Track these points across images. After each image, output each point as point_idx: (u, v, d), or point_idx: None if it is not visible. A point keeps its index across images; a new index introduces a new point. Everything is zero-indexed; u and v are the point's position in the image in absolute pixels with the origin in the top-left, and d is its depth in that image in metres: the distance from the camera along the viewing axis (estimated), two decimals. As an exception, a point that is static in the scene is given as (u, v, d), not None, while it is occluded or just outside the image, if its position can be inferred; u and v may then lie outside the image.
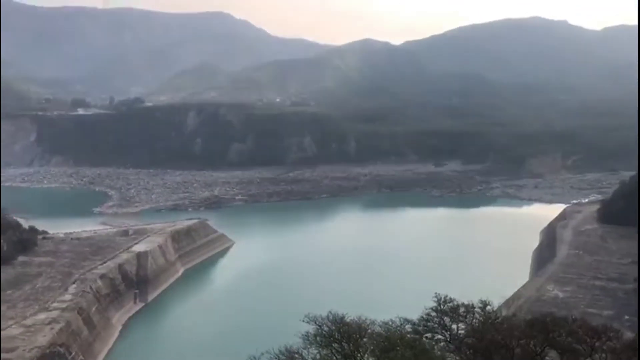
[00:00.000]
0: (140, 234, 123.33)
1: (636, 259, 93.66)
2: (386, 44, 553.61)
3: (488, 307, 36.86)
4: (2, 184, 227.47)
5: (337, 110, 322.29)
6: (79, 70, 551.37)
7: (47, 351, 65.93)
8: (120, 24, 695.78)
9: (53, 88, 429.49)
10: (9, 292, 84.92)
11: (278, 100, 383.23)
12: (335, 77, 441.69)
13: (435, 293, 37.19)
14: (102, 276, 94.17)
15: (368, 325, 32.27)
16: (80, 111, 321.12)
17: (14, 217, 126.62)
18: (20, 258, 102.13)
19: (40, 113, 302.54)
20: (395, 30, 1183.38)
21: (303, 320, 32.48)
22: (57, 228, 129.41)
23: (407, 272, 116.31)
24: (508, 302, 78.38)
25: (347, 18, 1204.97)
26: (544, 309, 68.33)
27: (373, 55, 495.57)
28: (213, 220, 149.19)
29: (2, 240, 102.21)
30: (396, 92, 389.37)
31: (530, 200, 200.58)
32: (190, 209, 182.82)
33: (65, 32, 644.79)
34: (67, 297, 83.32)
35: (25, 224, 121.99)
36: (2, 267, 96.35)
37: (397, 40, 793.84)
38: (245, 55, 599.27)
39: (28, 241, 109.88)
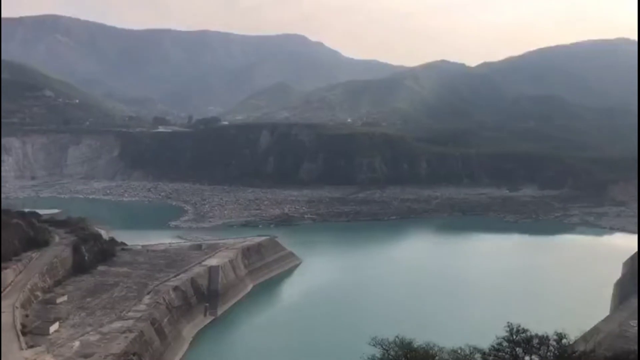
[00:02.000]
0: (213, 248, 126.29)
1: None
2: (462, 65, 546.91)
3: (564, 340, 35.13)
4: (87, 197, 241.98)
5: (409, 131, 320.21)
6: (161, 90, 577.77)
7: (121, 359, 68.42)
8: (200, 45, 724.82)
9: (136, 106, 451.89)
10: (88, 299, 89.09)
11: (349, 120, 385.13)
12: (408, 98, 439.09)
13: (508, 322, 35.85)
14: (175, 288, 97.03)
15: (436, 352, 31.54)
16: (161, 128, 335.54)
17: (96, 229, 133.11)
18: (100, 267, 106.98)
19: (123, 130, 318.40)
20: (472, 52, 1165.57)
21: (369, 343, 32.12)
22: (135, 240, 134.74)
23: (478, 298, 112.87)
24: (586, 337, 74.06)
25: (422, 40, 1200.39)
26: (627, 345, 64.27)
27: (448, 77, 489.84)
28: (282, 238, 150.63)
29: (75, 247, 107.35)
30: (470, 114, 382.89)
31: (612, 229, 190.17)
32: (260, 226, 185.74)
33: (149, 53, 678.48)
34: (142, 307, 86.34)
35: (106, 235, 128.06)
36: (84, 276, 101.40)
37: (473, 62, 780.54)
38: (318, 76, 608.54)
39: (108, 252, 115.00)
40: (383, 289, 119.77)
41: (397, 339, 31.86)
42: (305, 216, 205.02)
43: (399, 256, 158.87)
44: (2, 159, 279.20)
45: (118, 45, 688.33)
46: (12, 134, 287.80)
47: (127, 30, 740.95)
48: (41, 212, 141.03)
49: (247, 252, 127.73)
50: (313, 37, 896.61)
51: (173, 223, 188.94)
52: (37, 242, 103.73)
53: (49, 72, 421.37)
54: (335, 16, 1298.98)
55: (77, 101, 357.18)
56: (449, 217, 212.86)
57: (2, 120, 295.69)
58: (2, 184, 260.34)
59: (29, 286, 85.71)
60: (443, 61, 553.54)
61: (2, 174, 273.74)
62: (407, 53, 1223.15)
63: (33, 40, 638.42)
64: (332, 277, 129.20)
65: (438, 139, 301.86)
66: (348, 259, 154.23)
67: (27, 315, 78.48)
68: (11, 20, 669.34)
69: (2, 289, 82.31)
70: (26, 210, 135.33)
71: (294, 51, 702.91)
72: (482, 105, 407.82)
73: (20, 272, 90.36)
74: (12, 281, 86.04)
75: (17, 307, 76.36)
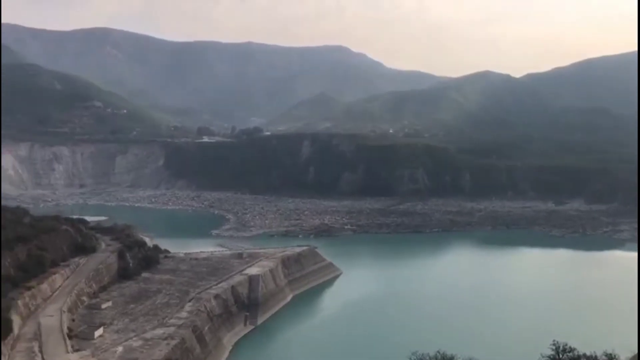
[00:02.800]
0: (253, 257, 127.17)
1: None
2: (506, 76, 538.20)
3: (614, 362, 33.78)
4: (133, 205, 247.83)
5: (452, 142, 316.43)
6: (205, 101, 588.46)
7: (163, 365, 69.38)
8: (244, 57, 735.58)
9: (181, 117, 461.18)
10: (132, 305, 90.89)
11: (391, 131, 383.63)
12: (451, 109, 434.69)
13: (553, 340, 34.70)
14: (216, 296, 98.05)
15: (478, 369, 30.75)
16: (205, 139, 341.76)
17: (141, 236, 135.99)
18: (144, 274, 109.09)
19: (168, 139, 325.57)
20: (517, 63, 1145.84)
21: (410, 358, 31.59)
22: (178, 248, 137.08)
23: (522, 314, 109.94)
24: (637, 358, 71.14)
25: (465, 51, 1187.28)
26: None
27: (492, 88, 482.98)
28: (322, 248, 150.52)
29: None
30: (515, 126, 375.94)
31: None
32: (300, 236, 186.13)
33: (195, 65, 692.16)
34: (183, 314, 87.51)
35: (150, 242, 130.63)
36: (128, 282, 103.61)
37: (518, 73, 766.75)
38: (360, 87, 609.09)
39: (152, 259, 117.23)
40: (424, 303, 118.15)
41: (438, 354, 31.24)
42: (346, 227, 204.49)
43: (440, 269, 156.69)
44: (53, 167, 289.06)
45: (165, 57, 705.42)
46: (62, 143, 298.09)
47: (173, 42, 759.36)
48: (89, 219, 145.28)
49: (287, 262, 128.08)
50: (355, 48, 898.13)
51: (215, 232, 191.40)
52: (85, 248, 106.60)
53: (99, 84, 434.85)
54: (378, 27, 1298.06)
55: (125, 111, 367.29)
56: (492, 231, 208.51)
57: (53, 130, 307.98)
58: (53, 191, 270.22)
59: (75, 291, 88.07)
60: (487, 72, 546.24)
61: (53, 181, 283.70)
62: (450, 64, 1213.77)
63: (84, 53, 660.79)
64: (373, 289, 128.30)
65: (481, 151, 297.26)
66: (389, 271, 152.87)
67: (73, 320, 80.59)
68: (64, 33, 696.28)
69: (50, 293, 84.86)
70: (74, 217, 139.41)
71: (336, 62, 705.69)
72: (527, 116, 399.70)
73: (68, 277, 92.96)
74: (60, 286, 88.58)
75: (64, 311, 78.51)
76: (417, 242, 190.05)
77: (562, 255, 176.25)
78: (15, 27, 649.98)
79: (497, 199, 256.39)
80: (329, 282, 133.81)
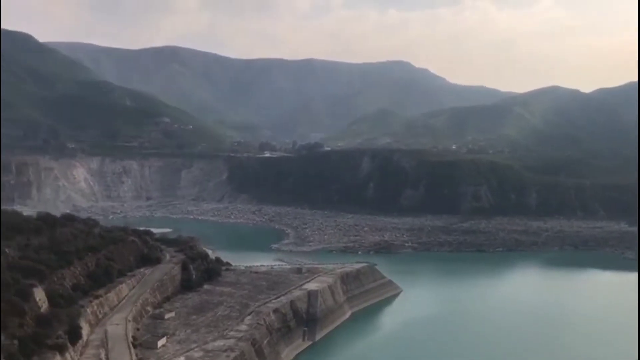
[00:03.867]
0: (312, 272, 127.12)
1: None
2: (575, 91, 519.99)
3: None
4: (197, 217, 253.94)
5: (517, 159, 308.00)
6: (268, 116, 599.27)
7: (222, 377, 69.99)
8: (306, 73, 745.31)
9: (244, 132, 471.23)
10: (194, 317, 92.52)
11: (454, 147, 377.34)
12: (516, 125, 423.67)
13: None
14: (275, 310, 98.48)
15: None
16: (267, 154, 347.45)
17: (203, 248, 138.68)
18: (206, 286, 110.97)
19: (232, 154, 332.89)
20: (586, 77, 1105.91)
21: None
22: (239, 260, 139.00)
23: (592, 342, 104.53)
24: None
25: (532, 65, 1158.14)
26: None
27: (560, 103, 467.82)
28: (381, 266, 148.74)
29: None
30: (584, 142, 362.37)
31: None
32: (360, 252, 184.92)
33: (258, 82, 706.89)
34: (243, 327, 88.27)
35: (212, 254, 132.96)
36: (191, 293, 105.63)
37: (588, 88, 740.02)
38: (422, 102, 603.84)
39: (213, 271, 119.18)
40: (485, 325, 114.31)
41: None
42: (406, 244, 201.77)
43: (504, 290, 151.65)
44: (122, 180, 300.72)
45: (229, 75, 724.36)
46: (131, 157, 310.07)
47: (238, 60, 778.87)
48: (155, 230, 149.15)
49: (346, 278, 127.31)
50: (418, 64, 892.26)
51: (275, 246, 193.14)
52: (150, 259, 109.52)
53: (167, 100, 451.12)
54: (442, 42, 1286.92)
55: (191, 127, 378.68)
56: (559, 252, 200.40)
57: (123, 144, 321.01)
58: (121, 203, 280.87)
59: (141, 301, 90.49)
60: (555, 87, 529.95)
61: (122, 194, 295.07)
62: (516, 79, 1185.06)
63: (154, 70, 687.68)
64: (433, 308, 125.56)
65: (549, 168, 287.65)
66: (450, 290, 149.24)
67: (138, 329, 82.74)
68: (135, 51, 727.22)
69: (117, 302, 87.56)
70: (141, 228, 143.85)
71: (399, 78, 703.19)
72: (597, 132, 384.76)
73: (134, 287, 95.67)
74: (126, 295, 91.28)
75: (129, 320, 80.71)
76: (480, 261, 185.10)
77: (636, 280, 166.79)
78: (90, 46, 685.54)
79: (565, 218, 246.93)
80: (389, 300, 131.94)
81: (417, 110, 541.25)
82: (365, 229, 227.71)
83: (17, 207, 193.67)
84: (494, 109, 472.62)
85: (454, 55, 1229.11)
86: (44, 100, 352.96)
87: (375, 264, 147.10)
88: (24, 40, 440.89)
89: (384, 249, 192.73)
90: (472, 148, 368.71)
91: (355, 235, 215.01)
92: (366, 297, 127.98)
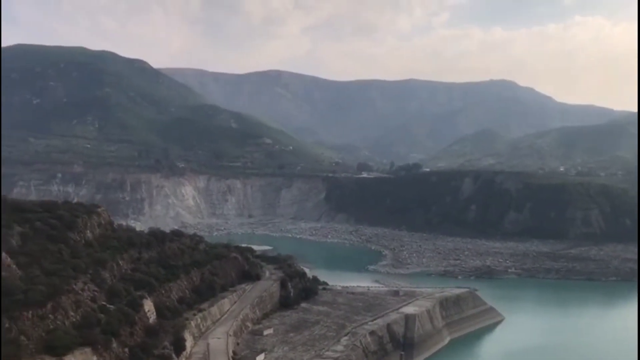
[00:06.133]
0: (410, 296, 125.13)
1: None
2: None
3: None
4: (295, 236, 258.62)
5: (632, 182, 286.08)
6: (366, 137, 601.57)
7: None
8: (405, 94, 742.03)
9: (342, 152, 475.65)
10: (291, 334, 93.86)
11: (562, 169, 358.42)
12: (632, 146, 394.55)
13: None
14: (371, 332, 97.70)
15: None
16: (364, 174, 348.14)
17: (301, 267, 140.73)
18: (303, 304, 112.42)
19: (330, 174, 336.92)
20: None
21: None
22: (335, 280, 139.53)
23: None
24: None
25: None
26: None
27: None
28: (482, 291, 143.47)
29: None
30: None
31: None
32: (459, 277, 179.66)
33: (356, 103, 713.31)
34: (339, 347, 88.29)
35: (309, 273, 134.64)
36: (288, 311, 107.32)
37: None
38: (527, 122, 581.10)
39: (310, 290, 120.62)
40: (594, 357, 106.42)
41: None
42: (509, 270, 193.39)
43: (615, 324, 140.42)
44: (226, 198, 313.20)
45: (329, 96, 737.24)
46: (235, 176, 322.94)
47: (337, 82, 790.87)
48: (255, 248, 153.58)
49: (445, 303, 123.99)
50: (523, 83, 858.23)
51: (371, 267, 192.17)
52: (250, 275, 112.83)
53: (269, 122, 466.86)
54: (549, 60, 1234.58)
55: (291, 148, 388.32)
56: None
57: (228, 164, 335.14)
58: (225, 221, 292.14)
59: (241, 316, 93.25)
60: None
61: (225, 211, 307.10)
62: (631, 97, 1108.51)
63: (257, 93, 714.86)
64: (537, 339, 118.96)
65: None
66: (557, 320, 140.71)
67: (238, 343, 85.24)
68: (240, 76, 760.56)
69: (219, 317, 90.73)
70: (243, 245, 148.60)
71: (502, 97, 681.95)
72: None
73: (235, 302, 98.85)
74: (227, 310, 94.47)
75: (230, 335, 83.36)
76: (589, 290, 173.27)
77: None
78: (199, 72, 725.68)
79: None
80: (490, 328, 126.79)
81: (522, 131, 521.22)
82: (466, 252, 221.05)
83: (131, 222, 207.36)
84: (606, 128, 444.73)
85: (561, 73, 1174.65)
86: (158, 123, 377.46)
87: (476, 290, 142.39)
88: (140, 67, 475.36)
89: (485, 274, 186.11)
90: (581, 170, 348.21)
91: (455, 259, 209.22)
92: (466, 323, 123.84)
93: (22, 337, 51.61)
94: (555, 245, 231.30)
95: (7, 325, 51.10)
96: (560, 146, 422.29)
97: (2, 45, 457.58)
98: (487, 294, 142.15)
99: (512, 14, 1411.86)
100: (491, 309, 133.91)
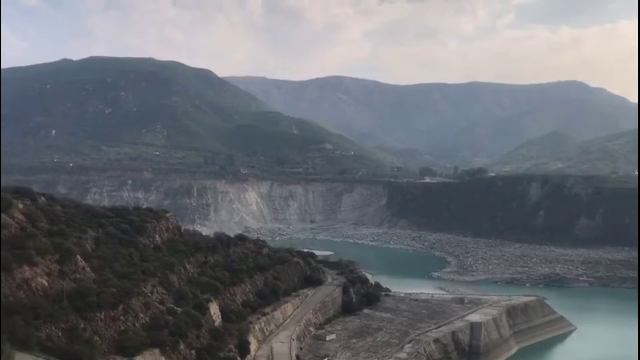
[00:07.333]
0: (475, 303, 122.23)
1: None
2: None
3: None
4: (356, 241, 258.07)
5: None
6: (428, 141, 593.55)
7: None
8: (469, 97, 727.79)
9: (404, 157, 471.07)
10: (353, 340, 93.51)
11: (636, 173, 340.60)
12: None
13: None
14: (435, 340, 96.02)
15: None
16: (427, 179, 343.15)
17: (363, 272, 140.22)
18: (365, 310, 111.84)
19: (391, 180, 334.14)
20: None
21: None
22: (398, 287, 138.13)
23: None
24: None
25: None
26: None
27: None
28: (552, 300, 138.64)
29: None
30: None
31: None
32: (527, 285, 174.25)
33: (418, 107, 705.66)
34: (403, 355, 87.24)
35: (371, 279, 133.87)
36: (351, 317, 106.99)
37: None
38: (598, 125, 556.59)
39: (373, 296, 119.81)
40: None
41: None
42: (580, 278, 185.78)
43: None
44: (288, 203, 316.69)
45: (390, 101, 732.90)
46: (297, 182, 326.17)
47: (398, 86, 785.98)
48: (317, 253, 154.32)
49: (512, 312, 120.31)
50: (593, 83, 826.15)
51: (435, 274, 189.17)
52: (312, 280, 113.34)
53: (330, 127, 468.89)
54: (622, 59, 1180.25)
55: (352, 153, 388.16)
56: None
57: (290, 170, 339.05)
58: (287, 225, 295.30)
59: (304, 321, 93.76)
60: None
61: (288, 216, 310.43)
62: None
63: (319, 99, 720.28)
64: (611, 351, 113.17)
65: None
66: (631, 331, 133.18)
67: (301, 348, 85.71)
68: (302, 82, 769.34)
69: (282, 321, 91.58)
70: (305, 250, 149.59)
71: (571, 98, 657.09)
72: None
73: (298, 307, 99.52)
74: (290, 314, 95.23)
75: (293, 340, 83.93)
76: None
77: None
78: (262, 80, 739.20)
79: None
80: (560, 338, 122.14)
81: (593, 133, 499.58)
82: (534, 259, 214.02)
83: (198, 227, 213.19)
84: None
85: (635, 73, 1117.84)
86: (222, 130, 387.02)
87: (545, 298, 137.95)
88: (206, 77, 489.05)
89: (554, 282, 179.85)
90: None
91: (523, 266, 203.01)
92: (534, 332, 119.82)
93: (96, 338, 53.80)
94: (630, 252, 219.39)
95: (82, 325, 53.46)
96: (635, 149, 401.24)
97: (78, 57, 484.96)
98: (556, 303, 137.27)
99: (582, 12, 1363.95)
100: (561, 318, 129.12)
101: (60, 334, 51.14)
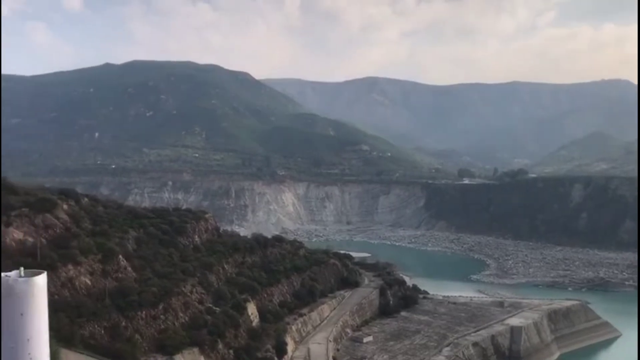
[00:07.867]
0: (515, 307, 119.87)
1: None
2: None
3: None
4: (394, 243, 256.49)
5: None
6: (466, 142, 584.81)
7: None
8: (508, 97, 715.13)
9: (442, 158, 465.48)
10: (391, 343, 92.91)
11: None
12: None
13: None
14: (474, 344, 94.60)
15: None
16: (466, 181, 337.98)
17: (401, 275, 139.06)
18: (403, 313, 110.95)
19: (429, 181, 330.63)
20: None
21: None
22: (436, 289, 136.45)
23: None
24: None
25: None
26: None
27: None
28: (595, 305, 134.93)
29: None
30: None
31: None
32: (569, 289, 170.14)
33: (457, 107, 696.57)
34: (441, 358, 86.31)
35: (409, 282, 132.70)
36: (388, 319, 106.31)
37: None
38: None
39: (410, 298, 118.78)
40: None
41: None
42: (626, 282, 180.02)
43: None
44: (324, 205, 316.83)
45: (427, 101, 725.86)
46: (333, 183, 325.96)
47: (436, 86, 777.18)
48: (354, 254, 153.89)
49: (554, 316, 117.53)
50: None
51: (474, 277, 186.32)
52: (349, 282, 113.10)
53: (366, 129, 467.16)
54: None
55: (389, 154, 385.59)
56: None
57: (326, 171, 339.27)
58: (324, 227, 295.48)
59: (341, 322, 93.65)
60: None
61: (324, 218, 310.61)
62: None
63: (355, 101, 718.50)
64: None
65: None
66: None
67: (337, 349, 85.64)
68: (338, 84, 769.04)
69: (319, 322, 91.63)
70: (341, 252, 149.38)
71: (614, 97, 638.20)
72: None
73: (334, 308, 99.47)
74: (327, 316, 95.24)
75: (330, 341, 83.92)
76: None
77: None
78: (298, 82, 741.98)
79: None
80: (604, 344, 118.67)
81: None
82: (577, 263, 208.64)
83: (235, 228, 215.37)
84: None
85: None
86: (260, 132, 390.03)
87: (588, 303, 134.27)
88: (244, 79, 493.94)
89: (598, 287, 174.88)
90: None
91: (565, 270, 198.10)
92: (577, 338, 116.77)
93: (137, 336, 54.89)
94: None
95: (123, 324, 54.62)
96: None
97: (120, 62, 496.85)
98: (600, 308, 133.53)
99: (627, 8, 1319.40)
100: (606, 323, 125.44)
101: (102, 331, 52.42)
